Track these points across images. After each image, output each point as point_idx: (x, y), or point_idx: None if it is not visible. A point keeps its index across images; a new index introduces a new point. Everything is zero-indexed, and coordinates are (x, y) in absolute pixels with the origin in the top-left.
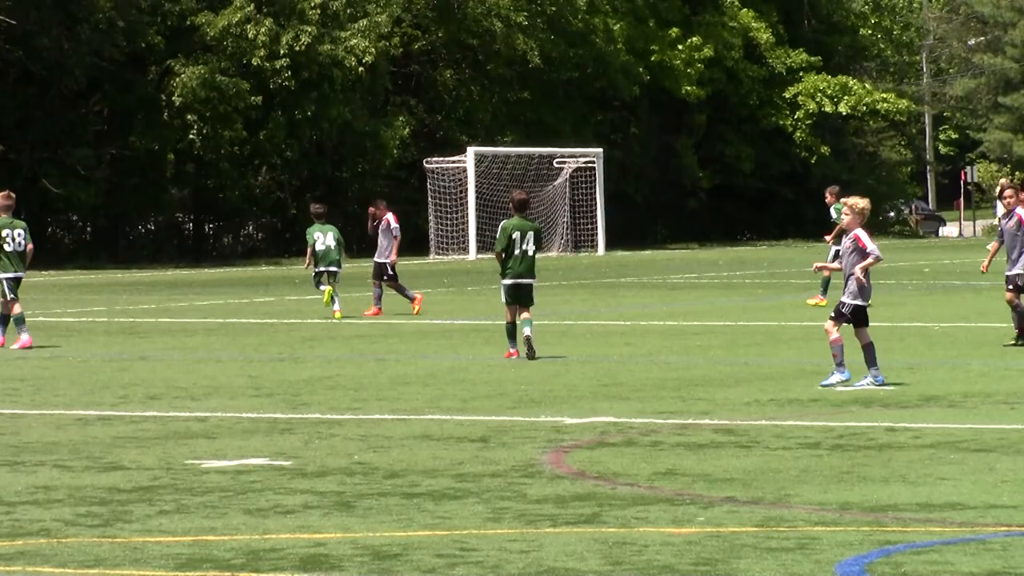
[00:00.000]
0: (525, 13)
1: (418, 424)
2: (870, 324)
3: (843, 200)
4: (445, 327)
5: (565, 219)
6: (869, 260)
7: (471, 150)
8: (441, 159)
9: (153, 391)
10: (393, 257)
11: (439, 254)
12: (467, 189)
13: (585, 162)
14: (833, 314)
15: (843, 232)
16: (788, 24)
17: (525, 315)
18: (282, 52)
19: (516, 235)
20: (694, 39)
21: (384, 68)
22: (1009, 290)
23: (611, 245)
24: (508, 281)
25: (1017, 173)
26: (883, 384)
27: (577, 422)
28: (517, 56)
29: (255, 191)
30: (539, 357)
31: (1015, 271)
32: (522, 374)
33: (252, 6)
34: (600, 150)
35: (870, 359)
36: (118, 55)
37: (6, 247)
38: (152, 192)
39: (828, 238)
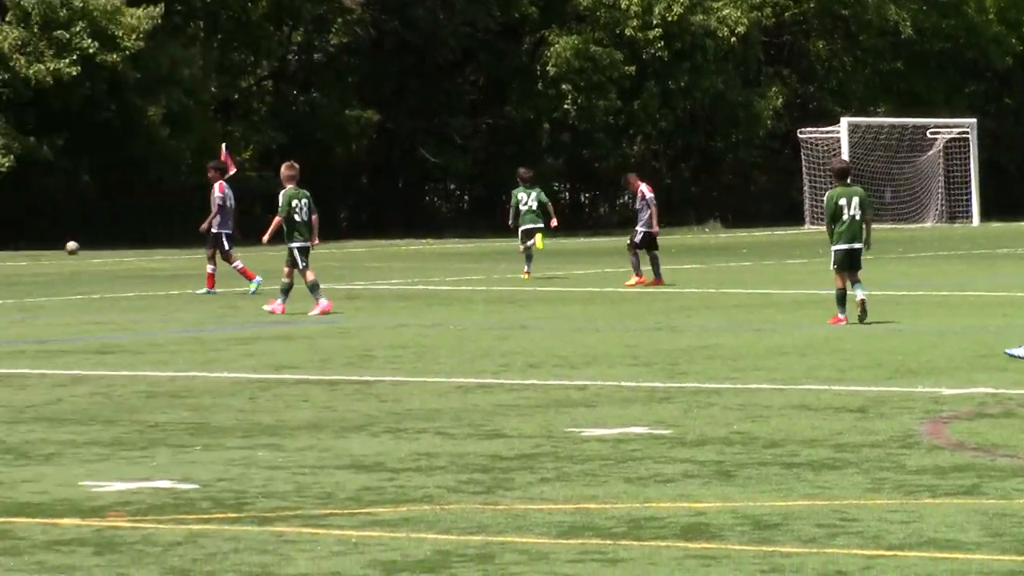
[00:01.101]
0: None
1: (795, 394)
2: None
3: None
4: (823, 297)
5: (939, 190)
6: None
7: (845, 120)
8: (815, 129)
9: (533, 360)
10: (655, 227)
11: (814, 224)
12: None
13: (959, 132)
14: None
15: None
16: None
17: (856, 280)
18: (655, 22)
19: (843, 201)
20: None
21: (756, 38)
22: None
23: (986, 216)
24: (839, 247)
25: None
26: None
27: (955, 392)
28: (889, 26)
29: (630, 160)
30: (869, 323)
31: None
32: (898, 344)
33: None
34: (974, 120)
35: None
36: (492, 25)
37: (295, 217)
38: (528, 161)
39: None
